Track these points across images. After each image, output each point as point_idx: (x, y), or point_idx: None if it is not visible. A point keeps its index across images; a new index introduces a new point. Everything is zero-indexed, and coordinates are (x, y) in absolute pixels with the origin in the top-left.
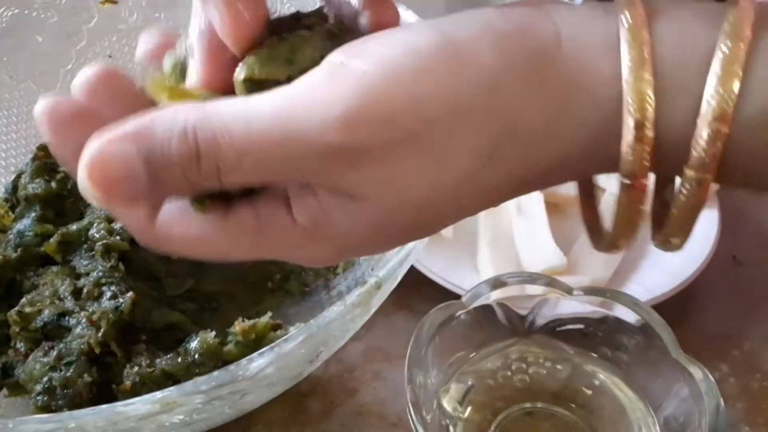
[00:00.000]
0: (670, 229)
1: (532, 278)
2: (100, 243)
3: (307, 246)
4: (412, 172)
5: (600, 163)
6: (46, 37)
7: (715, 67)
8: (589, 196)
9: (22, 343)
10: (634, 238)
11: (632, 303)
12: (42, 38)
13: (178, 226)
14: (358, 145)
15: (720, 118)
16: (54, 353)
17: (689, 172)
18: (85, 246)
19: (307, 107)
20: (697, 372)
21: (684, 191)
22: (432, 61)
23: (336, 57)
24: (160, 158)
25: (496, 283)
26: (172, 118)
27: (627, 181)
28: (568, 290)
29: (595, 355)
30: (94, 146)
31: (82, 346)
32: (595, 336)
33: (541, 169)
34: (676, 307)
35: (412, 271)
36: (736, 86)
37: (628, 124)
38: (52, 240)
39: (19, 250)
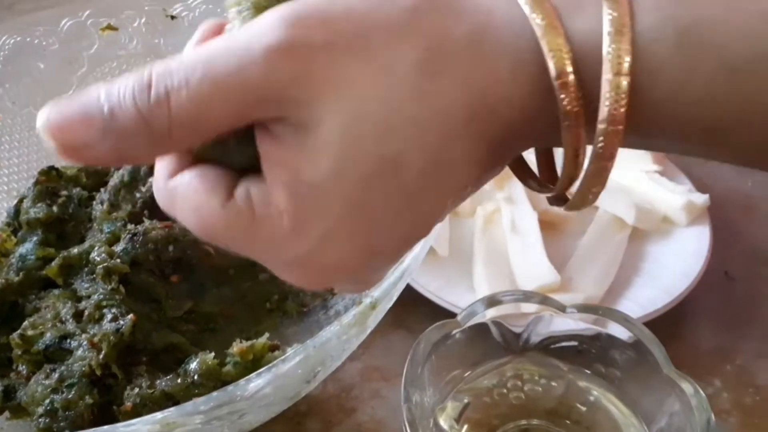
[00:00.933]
0: (585, 183)
1: (527, 296)
2: (101, 266)
3: (291, 244)
4: (360, 81)
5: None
6: (48, 64)
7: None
8: (545, 154)
9: (24, 366)
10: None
11: (624, 320)
12: (43, 65)
13: (184, 190)
14: (298, 42)
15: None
16: (56, 375)
17: (600, 126)
18: (86, 269)
19: (250, 25)
20: (688, 387)
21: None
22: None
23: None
24: (115, 97)
25: (491, 301)
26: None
27: (567, 123)
28: (562, 308)
29: (588, 372)
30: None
31: (84, 368)
32: (589, 353)
33: (479, 94)
34: (669, 322)
35: (408, 290)
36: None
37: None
38: (53, 263)
39: (21, 273)
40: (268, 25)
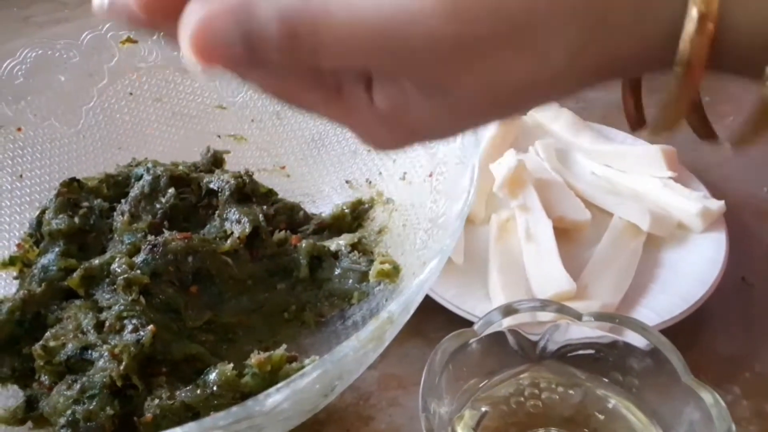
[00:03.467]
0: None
1: (543, 305)
2: (122, 277)
3: (377, 127)
4: (511, 68)
5: (663, 59)
6: (69, 77)
7: None
8: (634, 86)
9: (46, 377)
10: (677, 128)
11: (641, 328)
12: (64, 77)
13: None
14: (466, 36)
15: None
16: (77, 386)
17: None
18: (107, 280)
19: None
20: (707, 396)
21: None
22: None
23: None
24: (259, 36)
25: (508, 310)
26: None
27: (681, 70)
28: (578, 316)
29: (606, 380)
30: (196, 16)
31: (105, 379)
32: (606, 361)
33: (618, 59)
34: (687, 330)
35: (425, 298)
36: None
37: (692, 15)
38: (75, 274)
39: (43, 284)
40: (439, 13)
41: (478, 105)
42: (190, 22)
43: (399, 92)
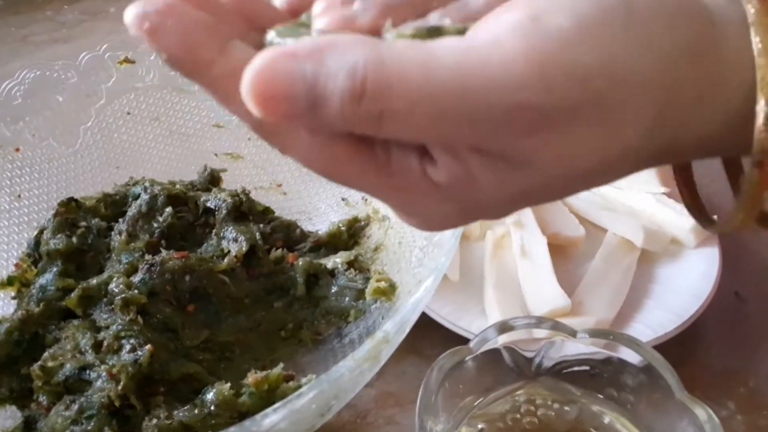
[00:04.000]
0: None
1: (538, 322)
2: (119, 297)
3: (428, 204)
4: (585, 143)
5: (736, 144)
6: (67, 97)
7: None
8: (688, 180)
9: (44, 397)
10: (756, 218)
11: (635, 344)
12: (62, 98)
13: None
14: (551, 107)
15: None
16: (75, 407)
17: None
18: (105, 300)
19: (497, 63)
20: (701, 413)
21: None
22: (623, 26)
23: (521, 11)
24: (323, 88)
25: (503, 327)
26: (345, 50)
27: (758, 159)
28: (573, 333)
29: (601, 396)
30: (262, 58)
31: (103, 400)
32: (601, 377)
33: (681, 141)
34: (681, 345)
35: (421, 315)
36: None
37: (761, 103)
38: (73, 294)
39: (41, 304)
40: (526, 82)
41: (548, 182)
42: (255, 64)
43: (463, 165)
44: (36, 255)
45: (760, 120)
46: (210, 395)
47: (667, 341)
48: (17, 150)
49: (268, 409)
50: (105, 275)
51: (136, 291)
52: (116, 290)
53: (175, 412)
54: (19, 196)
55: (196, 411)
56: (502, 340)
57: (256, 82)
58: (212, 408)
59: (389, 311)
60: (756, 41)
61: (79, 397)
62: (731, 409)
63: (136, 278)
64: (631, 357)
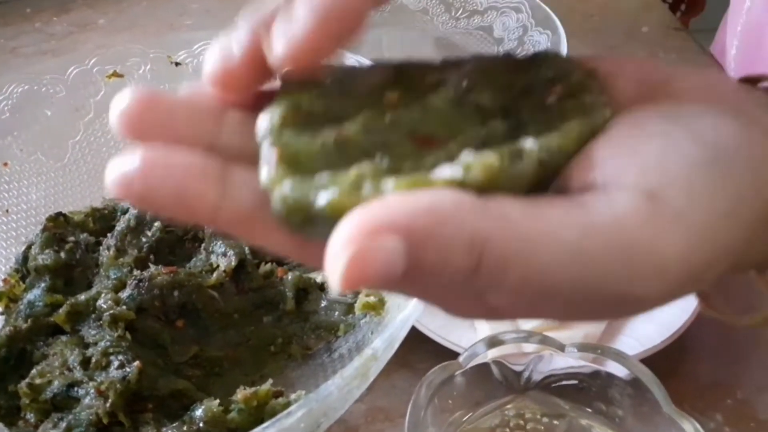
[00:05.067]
0: None
1: (527, 336)
2: (108, 313)
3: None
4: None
5: None
6: (55, 111)
7: None
8: None
9: (32, 414)
10: None
11: (622, 358)
12: (51, 112)
13: None
14: (653, 301)
15: None
16: (63, 425)
17: None
18: (93, 316)
19: (625, 255)
20: (688, 426)
21: None
22: (725, 212)
23: (635, 176)
24: (431, 261)
25: (492, 341)
26: (459, 220)
27: None
28: (561, 347)
29: (590, 410)
30: (349, 236)
31: (91, 417)
32: (590, 391)
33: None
34: (669, 358)
35: (411, 329)
36: None
37: None
38: (61, 310)
39: (29, 320)
40: (656, 286)
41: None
42: (344, 235)
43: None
44: (24, 270)
45: None
46: (199, 412)
47: (655, 354)
48: (5, 164)
49: (257, 429)
50: (93, 291)
51: (124, 307)
52: (104, 306)
53: (164, 429)
54: (7, 210)
55: (185, 428)
56: (492, 354)
57: (348, 267)
58: (201, 425)
59: (378, 325)
60: None
61: (67, 414)
62: (719, 421)
63: (124, 294)
64: (618, 371)
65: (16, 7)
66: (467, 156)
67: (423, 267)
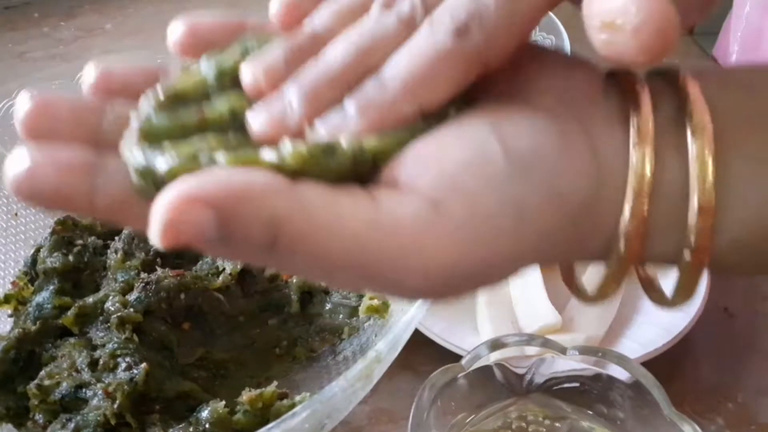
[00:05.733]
0: (676, 293)
1: (529, 339)
2: (115, 315)
3: None
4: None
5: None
6: None
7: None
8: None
9: (41, 415)
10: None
11: (623, 361)
12: None
13: None
14: (431, 297)
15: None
16: (72, 425)
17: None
18: (101, 318)
19: (393, 249)
20: (689, 430)
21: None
22: (513, 229)
23: (425, 191)
24: (236, 235)
25: (495, 344)
26: (261, 200)
27: (614, 265)
28: (563, 350)
29: (591, 413)
30: (169, 202)
31: (99, 418)
32: (591, 393)
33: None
34: (670, 361)
35: (414, 332)
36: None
37: (624, 221)
38: (69, 313)
39: (38, 322)
40: (417, 279)
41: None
42: (161, 203)
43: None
44: (33, 273)
45: (621, 229)
46: (205, 413)
47: (657, 357)
48: None
49: (262, 429)
50: (101, 293)
51: (131, 309)
52: (112, 309)
53: (171, 430)
54: (16, 214)
55: (191, 429)
56: (494, 357)
57: (163, 230)
58: (207, 426)
59: (382, 328)
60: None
61: (75, 415)
62: (720, 425)
63: (131, 297)
64: (619, 374)
65: (24, 12)
66: (286, 145)
67: (231, 238)
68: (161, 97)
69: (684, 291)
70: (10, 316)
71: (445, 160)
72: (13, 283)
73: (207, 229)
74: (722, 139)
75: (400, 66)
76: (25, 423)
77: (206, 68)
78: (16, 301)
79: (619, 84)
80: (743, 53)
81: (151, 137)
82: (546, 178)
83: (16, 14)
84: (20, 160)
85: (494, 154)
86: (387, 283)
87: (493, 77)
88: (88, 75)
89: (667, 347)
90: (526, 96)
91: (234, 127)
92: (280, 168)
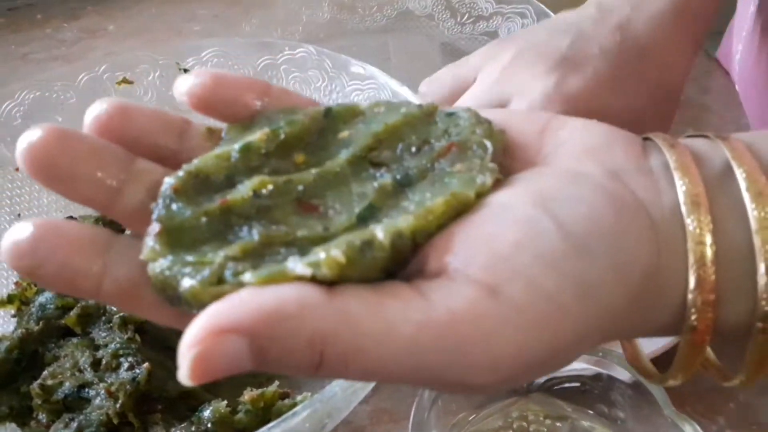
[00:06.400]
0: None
1: None
2: (118, 315)
3: None
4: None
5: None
6: (66, 117)
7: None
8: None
9: (43, 415)
10: (688, 379)
11: (624, 361)
12: (62, 118)
13: None
14: (493, 385)
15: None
16: (74, 425)
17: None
18: (103, 318)
19: (458, 351)
20: (689, 430)
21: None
22: (574, 314)
23: (480, 279)
24: (275, 356)
25: None
26: (300, 320)
27: (689, 336)
28: None
29: (591, 413)
30: (197, 335)
31: (101, 417)
32: (592, 393)
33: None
34: (671, 361)
35: None
36: None
37: (691, 289)
38: (72, 313)
39: (41, 322)
40: (481, 375)
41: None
42: (192, 336)
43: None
44: None
45: (689, 301)
46: (207, 413)
47: (657, 356)
48: (17, 170)
49: (263, 429)
50: None
51: None
52: (114, 309)
53: (173, 430)
54: (19, 215)
55: (193, 428)
56: None
57: (193, 366)
58: (209, 425)
59: None
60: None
61: (78, 415)
62: (721, 425)
63: None
64: (620, 374)
65: (26, 14)
66: (317, 253)
67: (268, 361)
68: (182, 176)
69: (755, 366)
70: (13, 316)
71: (496, 242)
72: (16, 283)
73: (242, 359)
74: None
75: None
76: (28, 422)
77: (229, 144)
78: (19, 301)
79: (659, 148)
80: (748, 54)
81: (171, 233)
82: (605, 252)
83: (18, 16)
84: (23, 229)
85: (549, 232)
86: (451, 382)
87: (526, 154)
88: (101, 109)
89: (670, 346)
90: (565, 171)
91: (258, 208)
92: (314, 280)
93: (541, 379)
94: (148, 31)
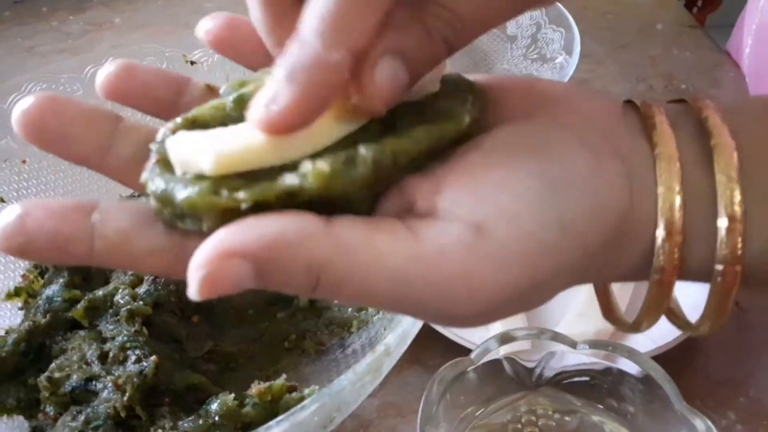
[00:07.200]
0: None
1: (539, 333)
2: (125, 308)
3: None
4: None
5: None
6: None
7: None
8: (605, 289)
9: (51, 408)
10: (655, 323)
11: (634, 355)
12: None
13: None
14: (475, 316)
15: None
16: (82, 417)
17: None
18: (110, 311)
19: (440, 280)
20: (700, 424)
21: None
22: (554, 248)
23: (465, 217)
24: (276, 280)
25: (504, 338)
26: (299, 247)
27: (657, 277)
28: (573, 344)
29: (601, 407)
30: (206, 257)
31: (109, 410)
32: (601, 388)
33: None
34: (681, 355)
35: (423, 326)
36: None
37: (660, 231)
38: (79, 306)
39: (48, 315)
40: (463, 307)
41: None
42: (199, 260)
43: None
44: (42, 266)
45: (658, 243)
46: (214, 406)
47: (668, 351)
48: (24, 162)
49: (272, 422)
50: (111, 286)
51: (141, 302)
52: (122, 301)
53: (180, 423)
54: None
55: (200, 421)
56: (504, 350)
57: (201, 287)
58: (216, 419)
59: (391, 322)
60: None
61: (85, 407)
62: (731, 419)
63: (141, 290)
64: (630, 368)
65: (32, 7)
66: (305, 165)
67: (269, 282)
68: (179, 122)
69: (714, 313)
70: (21, 308)
71: (482, 183)
72: (23, 276)
73: (245, 280)
74: (744, 156)
75: (311, 17)
76: (35, 415)
77: (226, 94)
78: (27, 294)
79: (638, 110)
80: (757, 47)
81: (170, 164)
82: (583, 193)
83: (24, 8)
84: (9, 212)
85: (531, 175)
86: (434, 313)
87: (510, 111)
88: (109, 70)
89: (678, 341)
90: (548, 122)
91: None
92: (302, 191)
93: (550, 373)
94: (154, 24)
